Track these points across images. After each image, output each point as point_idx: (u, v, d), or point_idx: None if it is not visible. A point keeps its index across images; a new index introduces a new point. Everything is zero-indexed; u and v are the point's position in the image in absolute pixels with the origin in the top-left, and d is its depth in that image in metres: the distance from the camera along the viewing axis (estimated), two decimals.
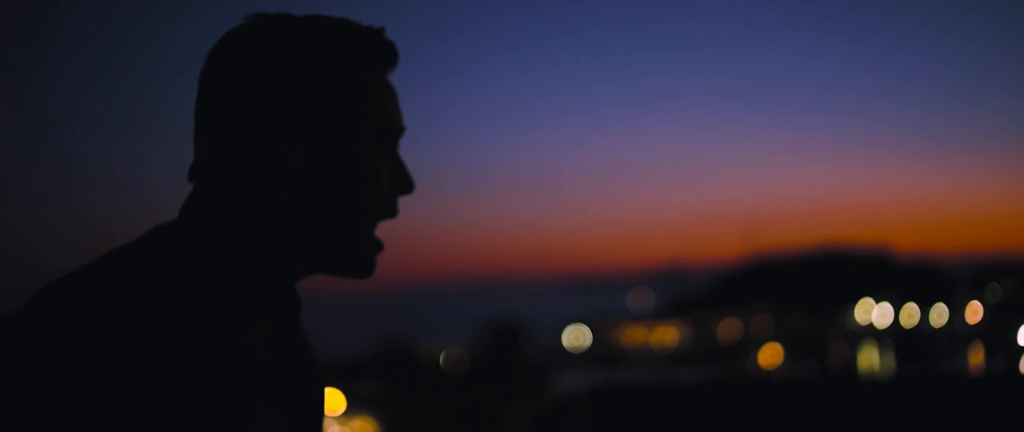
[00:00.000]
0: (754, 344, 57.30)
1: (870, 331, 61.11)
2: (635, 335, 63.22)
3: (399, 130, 1.48)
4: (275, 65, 1.40)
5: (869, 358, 56.93)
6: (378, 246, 1.46)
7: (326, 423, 1.58)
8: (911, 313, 62.20)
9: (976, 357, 54.59)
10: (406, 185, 1.48)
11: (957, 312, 61.13)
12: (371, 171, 1.43)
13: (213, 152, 1.42)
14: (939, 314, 61.86)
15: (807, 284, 66.07)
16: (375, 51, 1.45)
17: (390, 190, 1.46)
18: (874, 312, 62.19)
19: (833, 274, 66.92)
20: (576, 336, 61.78)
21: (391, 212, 1.47)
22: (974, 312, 60.68)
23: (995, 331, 57.39)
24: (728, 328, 62.24)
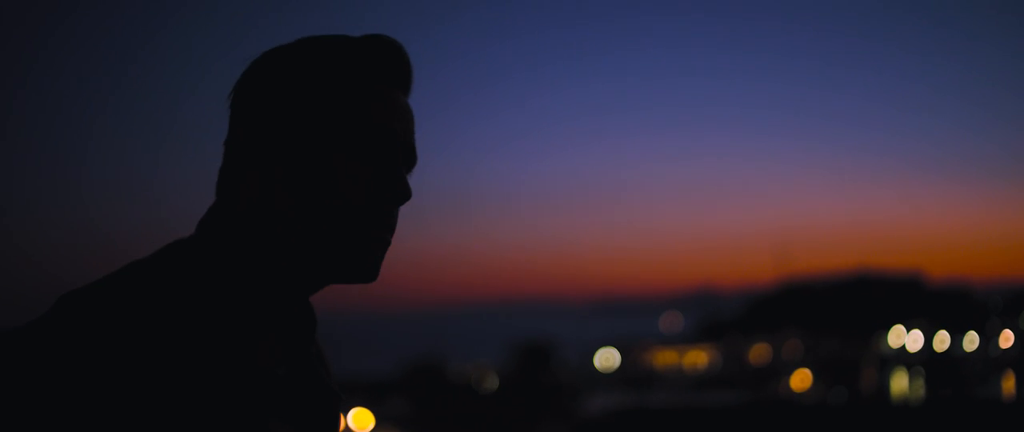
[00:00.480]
0: (785, 368, 56.94)
1: (901, 356, 60.67)
2: (665, 358, 62.90)
3: (389, 133, 1.48)
4: (264, 85, 1.48)
5: (900, 384, 56.50)
6: (380, 249, 1.48)
7: None
8: (943, 339, 61.71)
9: (1008, 384, 54.14)
10: (403, 195, 1.49)
11: (990, 338, 60.63)
12: (346, 178, 1.44)
13: (234, 169, 1.49)
14: (971, 340, 61.35)
15: (839, 308, 65.62)
16: (362, 60, 1.50)
17: (387, 201, 1.47)
18: (906, 338, 61.73)
19: (865, 299, 66.45)
20: (606, 358, 61.58)
21: (384, 222, 1.48)
22: (1006, 339, 60.17)
23: None
24: (759, 352, 61.87)
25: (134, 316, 1.31)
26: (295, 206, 1.44)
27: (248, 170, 1.47)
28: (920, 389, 54.35)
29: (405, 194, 1.48)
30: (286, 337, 1.51)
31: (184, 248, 1.45)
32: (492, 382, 50.73)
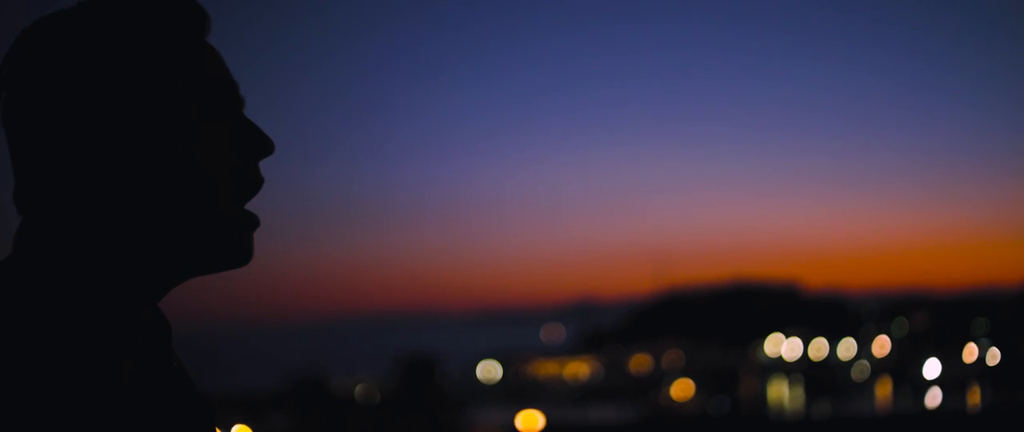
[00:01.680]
0: (666, 378, 57.49)
1: (780, 365, 61.67)
2: (548, 369, 63.18)
3: (228, 86, 1.30)
4: (66, 59, 1.24)
5: (779, 392, 57.38)
6: (250, 223, 1.29)
7: None
8: (820, 347, 62.87)
9: (884, 391, 55.28)
10: (262, 145, 1.29)
11: (865, 346, 61.88)
12: (200, 141, 1.24)
13: (31, 172, 1.25)
14: (847, 348, 62.59)
15: (718, 318, 66.54)
16: (171, 13, 1.29)
17: (241, 155, 1.28)
18: (784, 346, 62.80)
19: (743, 308, 67.48)
20: (489, 370, 61.66)
21: (251, 180, 1.29)
22: (882, 346, 61.45)
23: (902, 365, 58.19)
24: (640, 362, 62.42)
25: None
26: (141, 192, 1.22)
27: (64, 166, 1.23)
28: (799, 397, 55.26)
29: (268, 144, 1.30)
30: (143, 351, 1.26)
31: (5, 269, 1.22)
32: (375, 396, 50.49)
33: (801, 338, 62.88)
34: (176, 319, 1.38)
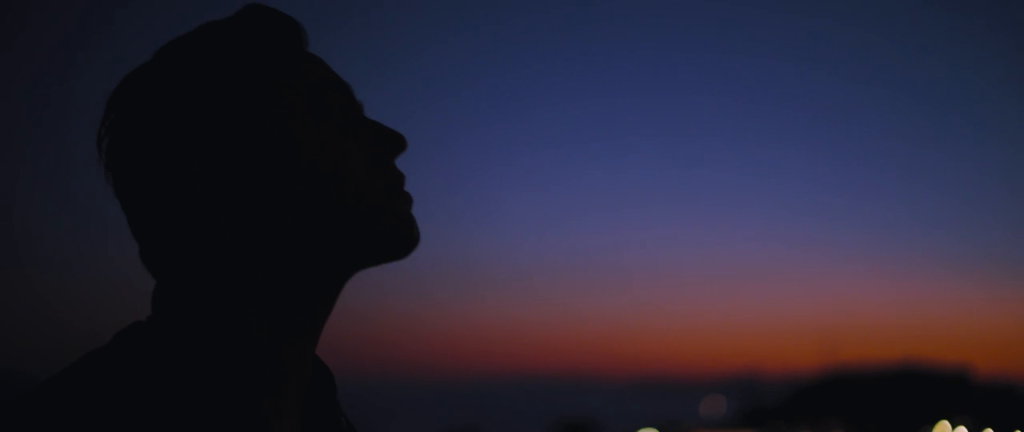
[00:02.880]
0: None
1: None
2: None
3: (342, 89, 1.23)
4: (163, 110, 1.15)
5: None
6: (404, 201, 1.21)
7: None
8: None
9: None
10: (392, 142, 1.23)
11: None
12: (328, 150, 1.17)
13: (156, 233, 1.17)
14: None
15: (884, 401, 64.94)
16: (260, 33, 1.21)
17: (378, 157, 1.21)
18: None
19: (911, 392, 65.76)
20: None
21: (391, 175, 1.21)
22: None
23: None
24: None
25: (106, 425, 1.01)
26: (280, 213, 1.14)
27: (191, 218, 1.14)
28: None
29: (400, 141, 1.23)
30: (307, 409, 1.21)
31: (146, 333, 1.13)
32: None
33: (970, 428, 60.97)
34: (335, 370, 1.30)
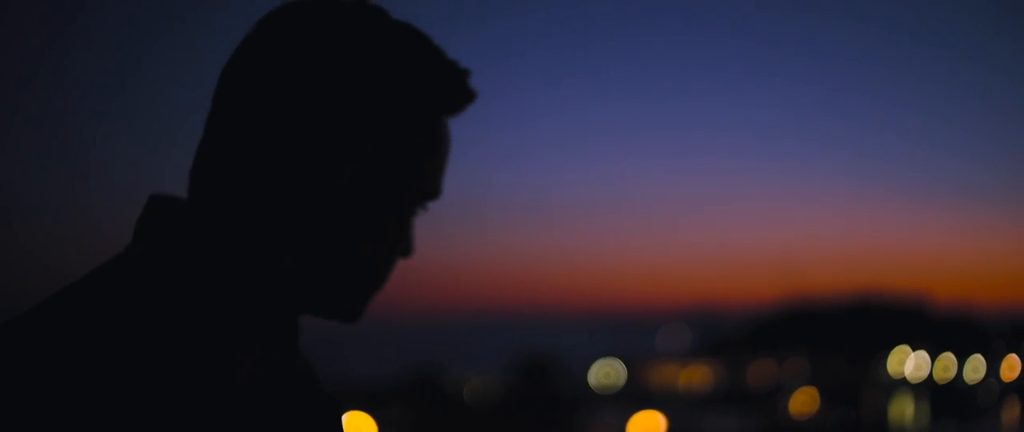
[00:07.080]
0: (787, 389, 56.73)
1: (905, 382, 60.51)
2: (665, 374, 62.73)
3: (436, 195, 1.29)
4: (347, 71, 1.17)
5: (904, 409, 56.34)
6: (375, 296, 1.30)
7: None
8: (947, 365, 61.55)
9: (1011, 413, 53.96)
10: (407, 250, 1.30)
11: (994, 366, 60.51)
12: (395, 230, 1.26)
13: (226, 153, 1.20)
14: (975, 367, 61.21)
15: (843, 330, 65.50)
16: (454, 95, 1.24)
17: (396, 254, 1.29)
18: (909, 362, 61.56)
19: (870, 321, 66.35)
20: (608, 373, 61.34)
21: (389, 273, 1.30)
22: (1011, 367, 60.00)
23: None
24: (761, 371, 61.67)
25: (97, 334, 1.10)
26: (335, 238, 1.22)
27: (258, 170, 1.19)
28: (925, 416, 54.20)
29: (411, 251, 1.31)
30: (271, 350, 1.27)
31: (169, 239, 1.20)
32: (494, 394, 50.55)
33: (928, 354, 61.65)
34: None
